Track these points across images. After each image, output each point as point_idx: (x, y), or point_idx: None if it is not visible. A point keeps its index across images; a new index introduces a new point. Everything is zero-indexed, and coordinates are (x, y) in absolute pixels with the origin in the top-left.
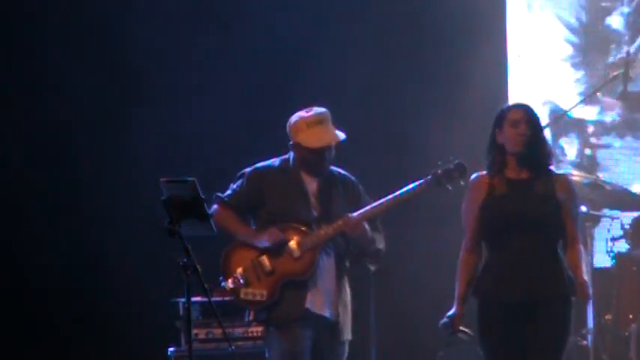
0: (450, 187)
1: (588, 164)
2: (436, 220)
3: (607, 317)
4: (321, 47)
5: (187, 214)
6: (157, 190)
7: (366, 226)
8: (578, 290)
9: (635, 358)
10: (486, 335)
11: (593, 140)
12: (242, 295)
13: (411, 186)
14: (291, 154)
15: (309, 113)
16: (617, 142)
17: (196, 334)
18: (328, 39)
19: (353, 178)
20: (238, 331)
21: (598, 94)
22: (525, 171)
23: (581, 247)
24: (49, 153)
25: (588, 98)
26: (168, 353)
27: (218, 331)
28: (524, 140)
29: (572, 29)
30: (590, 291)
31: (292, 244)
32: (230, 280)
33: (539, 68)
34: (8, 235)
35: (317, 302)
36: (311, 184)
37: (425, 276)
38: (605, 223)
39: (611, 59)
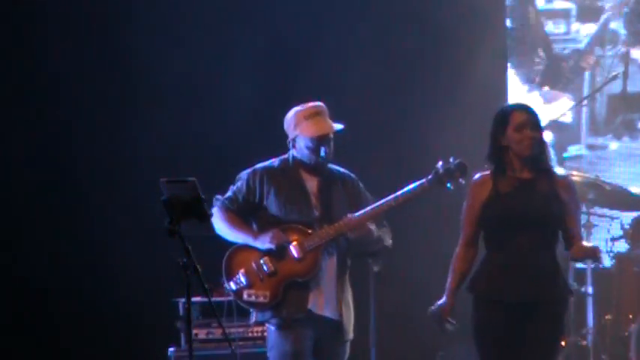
0: (451, 187)
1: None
2: (437, 220)
3: (607, 317)
4: (322, 47)
5: (187, 214)
6: (157, 190)
7: (372, 225)
8: (592, 254)
9: (635, 358)
10: (481, 333)
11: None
12: (245, 297)
13: (412, 186)
14: (290, 154)
15: (306, 106)
16: (613, 144)
17: (196, 334)
18: (329, 38)
19: (353, 175)
20: (238, 331)
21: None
22: (528, 171)
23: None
24: (49, 153)
25: (588, 98)
26: (168, 353)
27: (218, 331)
28: (532, 144)
29: None
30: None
31: (294, 245)
32: (232, 282)
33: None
34: (8, 235)
35: (319, 303)
36: (311, 183)
37: (425, 276)
38: (605, 223)
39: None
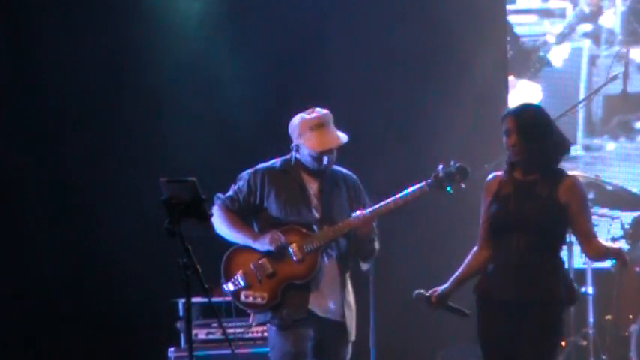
0: (451, 190)
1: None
2: (437, 220)
3: (607, 317)
4: (324, 49)
5: (187, 214)
6: (157, 190)
7: (374, 224)
8: (616, 256)
9: (635, 358)
10: (482, 333)
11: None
12: (242, 298)
13: (411, 189)
14: (292, 155)
15: (312, 115)
16: (609, 145)
17: (196, 334)
18: (331, 41)
19: (354, 176)
20: (238, 331)
21: None
22: (531, 173)
23: (601, 241)
24: (49, 153)
25: (588, 98)
26: (168, 353)
27: (218, 331)
28: (515, 151)
29: None
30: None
31: (294, 246)
32: (230, 283)
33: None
34: (8, 235)
35: (320, 304)
36: (312, 185)
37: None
38: (605, 223)
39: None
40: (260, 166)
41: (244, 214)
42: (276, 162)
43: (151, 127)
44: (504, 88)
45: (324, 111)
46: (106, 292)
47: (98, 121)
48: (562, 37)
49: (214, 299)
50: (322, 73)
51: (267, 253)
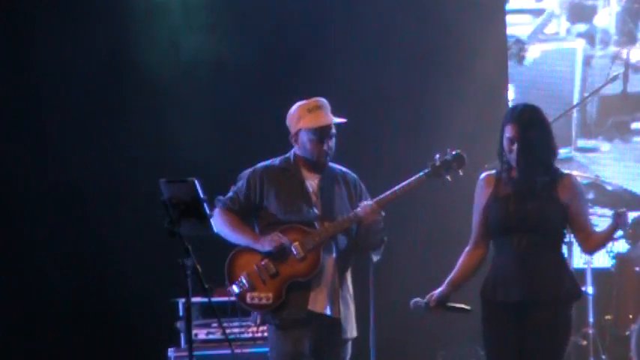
0: (448, 179)
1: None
2: (437, 218)
3: (607, 317)
4: (324, 46)
5: (187, 214)
6: (157, 190)
7: (382, 213)
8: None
9: (635, 358)
10: (487, 335)
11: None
12: (248, 300)
13: (410, 179)
14: (292, 152)
15: (308, 100)
16: (604, 146)
17: (196, 334)
18: (331, 37)
19: (354, 174)
20: (238, 331)
21: None
22: (532, 173)
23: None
24: (49, 153)
25: (589, 98)
26: (168, 353)
27: (218, 331)
28: (517, 158)
29: None
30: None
31: (296, 244)
32: (235, 285)
33: None
34: (8, 234)
35: (319, 301)
36: (312, 182)
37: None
38: (605, 223)
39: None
40: (259, 165)
41: (245, 213)
42: (276, 160)
43: (152, 126)
44: (505, 88)
45: (321, 98)
46: (106, 292)
47: (98, 121)
48: (533, 37)
49: (214, 299)
50: (320, 70)
51: (268, 254)
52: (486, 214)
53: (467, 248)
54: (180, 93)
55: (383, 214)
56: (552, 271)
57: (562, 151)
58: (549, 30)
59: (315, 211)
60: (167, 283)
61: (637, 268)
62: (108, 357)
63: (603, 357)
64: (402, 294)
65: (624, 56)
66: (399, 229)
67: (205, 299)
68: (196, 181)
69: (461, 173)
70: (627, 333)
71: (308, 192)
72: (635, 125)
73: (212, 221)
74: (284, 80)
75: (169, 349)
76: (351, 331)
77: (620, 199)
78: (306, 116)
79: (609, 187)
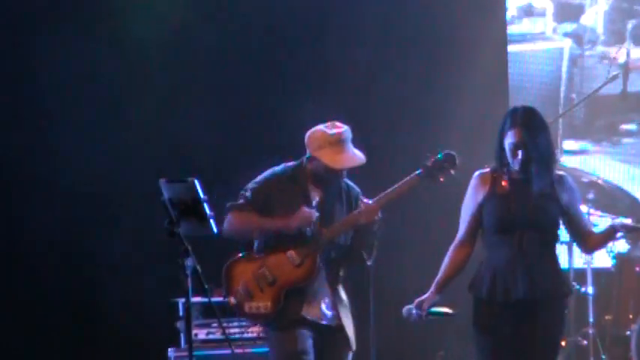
0: (441, 179)
1: None
2: (437, 221)
3: (607, 317)
4: (323, 45)
5: (187, 214)
6: (157, 190)
7: (380, 214)
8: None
9: (635, 358)
10: (482, 333)
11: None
12: (246, 309)
13: (403, 181)
14: (304, 163)
15: (333, 131)
16: (592, 148)
17: (196, 334)
18: (330, 36)
19: (357, 189)
20: (238, 331)
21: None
22: (526, 172)
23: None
24: (49, 153)
25: (588, 98)
26: (168, 353)
27: (218, 331)
28: (522, 165)
29: None
30: None
31: (291, 252)
32: (233, 296)
33: None
34: (8, 234)
35: (312, 308)
36: (316, 195)
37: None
38: (605, 223)
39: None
40: (270, 174)
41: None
42: (288, 169)
43: (152, 126)
44: (505, 86)
45: (345, 127)
46: (106, 292)
47: (98, 121)
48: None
49: (214, 299)
50: (321, 69)
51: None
52: (481, 211)
53: (452, 246)
54: (180, 92)
55: (380, 215)
56: (551, 269)
57: None
58: (536, 29)
59: (314, 226)
60: (167, 283)
61: (637, 268)
62: (108, 357)
63: (603, 357)
64: (401, 294)
65: (613, 55)
66: (399, 230)
67: (205, 299)
68: (196, 181)
69: (453, 173)
70: (627, 333)
71: (311, 207)
72: (625, 127)
73: (225, 224)
74: (286, 82)
75: (169, 349)
76: (354, 342)
77: (620, 199)
78: (327, 148)
79: (609, 188)
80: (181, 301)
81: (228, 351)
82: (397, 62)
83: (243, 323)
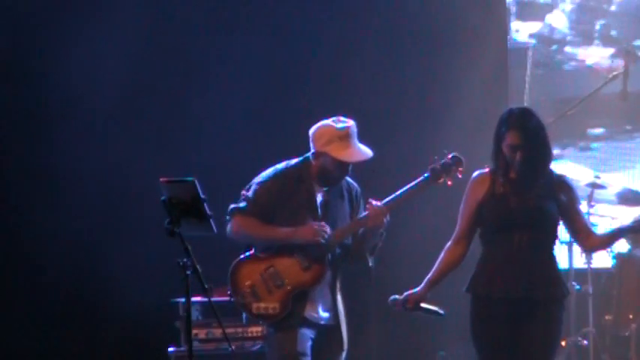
0: (449, 182)
1: None
2: (438, 221)
3: (607, 317)
4: (326, 48)
5: (187, 214)
6: (157, 190)
7: (388, 217)
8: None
9: (635, 358)
10: (478, 331)
11: None
12: (254, 311)
13: (409, 185)
14: (310, 160)
15: (341, 125)
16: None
17: (196, 334)
18: (333, 40)
19: (357, 186)
20: (238, 331)
21: None
22: (528, 172)
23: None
24: (50, 152)
25: (589, 98)
26: (168, 353)
27: (218, 331)
28: (521, 166)
29: None
30: None
31: (299, 254)
32: (240, 296)
33: None
34: (8, 234)
35: (315, 309)
36: (319, 195)
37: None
38: (605, 223)
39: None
40: (273, 174)
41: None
42: (292, 167)
43: (152, 125)
44: (505, 86)
45: (351, 121)
46: (106, 292)
47: (98, 121)
48: None
49: (214, 299)
50: (321, 69)
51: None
52: (480, 211)
53: (448, 244)
54: (181, 92)
55: (388, 218)
56: (550, 269)
57: None
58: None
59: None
60: (167, 283)
61: (637, 268)
62: (108, 356)
63: (603, 357)
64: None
65: (580, 57)
66: (399, 229)
67: (205, 299)
68: (196, 181)
69: (460, 176)
70: (627, 333)
71: (316, 208)
72: (592, 131)
73: (229, 229)
74: (287, 82)
75: (169, 349)
76: (346, 342)
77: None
78: (336, 143)
79: (610, 187)
80: (181, 301)
81: (228, 351)
82: (397, 62)
83: (244, 323)
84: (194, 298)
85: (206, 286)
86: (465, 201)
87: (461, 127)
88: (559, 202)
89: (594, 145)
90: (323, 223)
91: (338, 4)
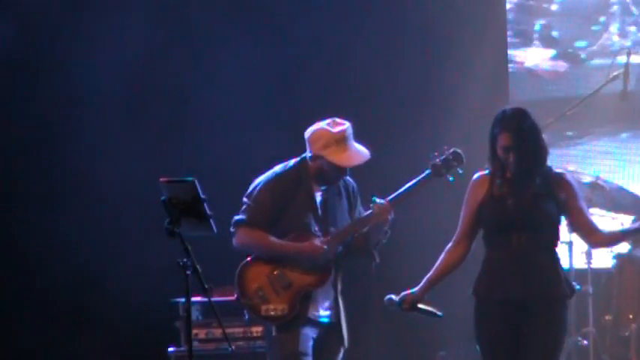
0: (450, 178)
1: None
2: (438, 221)
3: (607, 317)
4: (325, 48)
5: (187, 214)
6: (157, 190)
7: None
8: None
9: (635, 358)
10: (483, 333)
11: None
12: (263, 312)
13: (412, 182)
14: (307, 161)
15: (337, 128)
16: None
17: (196, 334)
18: (332, 39)
19: (353, 182)
20: (238, 331)
21: None
22: (527, 172)
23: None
24: (50, 152)
25: (589, 98)
26: (168, 353)
27: (218, 331)
28: (515, 167)
29: None
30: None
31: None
32: (248, 298)
33: None
34: (9, 233)
35: (316, 309)
36: (318, 194)
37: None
38: (604, 223)
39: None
40: (272, 178)
41: (267, 227)
42: (290, 170)
43: (153, 125)
44: (505, 86)
45: (347, 123)
46: (107, 292)
47: (99, 120)
48: None
49: (214, 299)
50: (321, 71)
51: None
52: (480, 212)
53: (448, 246)
54: (181, 92)
55: (392, 215)
56: (550, 269)
57: None
58: None
59: (320, 225)
60: (167, 283)
61: (637, 268)
62: (108, 356)
63: (603, 357)
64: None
65: (518, 59)
66: (400, 229)
67: (205, 299)
68: (196, 181)
69: (460, 172)
70: (627, 333)
71: (316, 208)
72: (570, 133)
73: (235, 241)
74: (287, 82)
75: (169, 349)
76: (347, 340)
77: (620, 200)
78: (333, 147)
79: (609, 188)
80: (181, 301)
81: (228, 351)
82: (397, 62)
83: (244, 323)
84: (194, 298)
85: (206, 286)
86: (465, 202)
87: (461, 127)
88: (558, 201)
89: (574, 146)
90: (323, 240)
91: (338, 5)
